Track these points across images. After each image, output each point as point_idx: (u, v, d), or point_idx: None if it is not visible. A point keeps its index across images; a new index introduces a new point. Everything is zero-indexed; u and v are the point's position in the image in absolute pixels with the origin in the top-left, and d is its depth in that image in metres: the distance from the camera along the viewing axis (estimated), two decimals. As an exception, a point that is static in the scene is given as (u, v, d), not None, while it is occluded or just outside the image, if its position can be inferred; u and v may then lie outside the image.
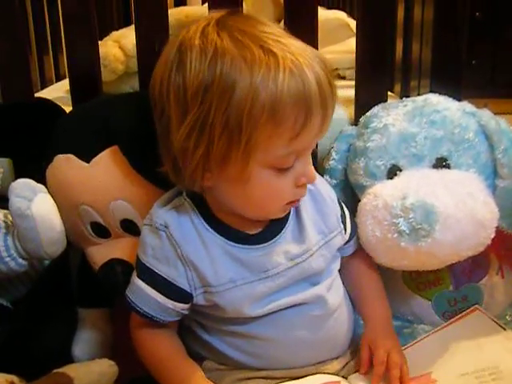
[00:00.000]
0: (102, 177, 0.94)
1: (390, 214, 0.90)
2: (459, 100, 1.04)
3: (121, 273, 0.93)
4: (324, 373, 0.88)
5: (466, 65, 1.19)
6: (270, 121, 0.73)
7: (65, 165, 0.96)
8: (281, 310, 0.85)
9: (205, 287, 0.83)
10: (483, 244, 0.92)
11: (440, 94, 1.04)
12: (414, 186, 0.91)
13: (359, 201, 0.98)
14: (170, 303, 0.84)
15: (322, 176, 1.02)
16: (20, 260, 0.90)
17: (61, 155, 0.96)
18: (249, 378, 0.87)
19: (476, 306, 1.01)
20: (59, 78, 1.72)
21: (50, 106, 1.05)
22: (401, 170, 0.97)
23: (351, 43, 1.23)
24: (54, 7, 1.67)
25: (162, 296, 0.84)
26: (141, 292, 0.84)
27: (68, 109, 1.07)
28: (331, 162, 1.07)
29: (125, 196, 0.93)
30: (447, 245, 0.88)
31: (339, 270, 0.94)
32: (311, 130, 0.76)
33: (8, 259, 0.89)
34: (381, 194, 0.93)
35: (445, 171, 0.95)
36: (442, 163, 0.96)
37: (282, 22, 1.12)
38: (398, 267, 0.96)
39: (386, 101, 1.13)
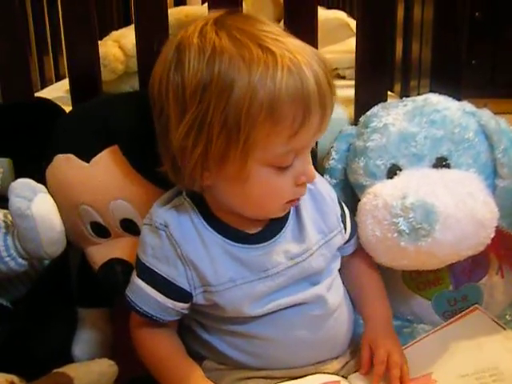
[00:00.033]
0: (101, 176, 0.94)
1: (390, 214, 0.90)
2: (459, 100, 1.04)
3: (120, 272, 0.93)
4: (324, 372, 0.88)
5: (466, 65, 1.20)
6: (268, 119, 0.73)
7: (65, 164, 0.96)
8: (281, 309, 0.85)
9: (204, 286, 0.83)
10: (483, 244, 0.92)
11: (440, 93, 1.04)
12: (413, 185, 0.91)
13: (359, 200, 0.98)
14: (169, 303, 0.84)
15: (322, 176, 1.02)
16: (20, 260, 0.90)
17: (61, 155, 0.96)
18: (248, 378, 0.87)
19: (476, 305, 1.01)
20: (59, 78, 1.72)
21: (49, 105, 1.05)
22: (401, 170, 0.97)
23: (351, 43, 1.24)
24: (53, 7, 1.67)
25: (161, 295, 0.84)
26: (140, 291, 0.85)
27: (68, 109, 1.07)
28: (331, 162, 1.07)
29: (125, 196, 0.93)
30: (447, 244, 0.88)
31: (339, 270, 0.94)
32: (310, 128, 0.76)
33: (8, 259, 0.89)
34: (381, 194, 0.93)
35: (445, 171, 0.95)
36: (441, 163, 0.96)
37: (282, 21, 1.12)
38: (398, 267, 0.96)
39: (385, 100, 1.13)
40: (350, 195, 1.05)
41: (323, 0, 2.54)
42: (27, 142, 1.01)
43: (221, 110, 0.73)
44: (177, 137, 0.76)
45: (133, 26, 1.16)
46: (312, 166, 0.81)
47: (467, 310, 1.00)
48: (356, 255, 0.98)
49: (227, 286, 0.82)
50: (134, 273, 0.86)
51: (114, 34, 1.44)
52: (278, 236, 0.85)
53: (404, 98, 1.05)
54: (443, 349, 0.94)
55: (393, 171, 0.97)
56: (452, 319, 1.00)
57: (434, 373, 0.89)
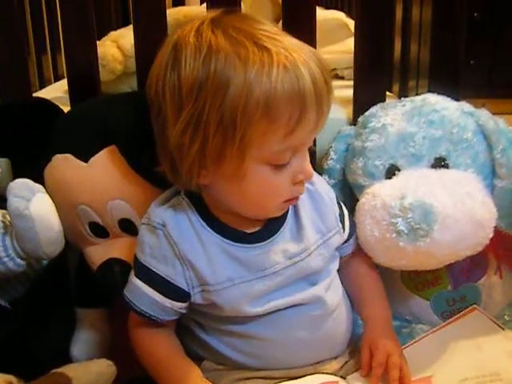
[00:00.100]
0: (100, 176, 0.94)
1: (389, 214, 0.90)
2: (457, 100, 1.04)
3: (119, 272, 0.93)
4: (323, 373, 0.88)
5: (464, 65, 1.19)
6: (264, 117, 0.73)
7: (63, 165, 0.96)
8: (279, 310, 0.85)
9: (202, 286, 0.83)
10: (482, 244, 0.92)
11: (438, 94, 1.04)
12: (412, 185, 0.91)
13: (358, 200, 0.98)
14: (167, 302, 0.84)
15: (321, 176, 1.02)
16: (18, 260, 0.90)
17: (59, 155, 0.96)
18: (247, 378, 0.87)
19: (474, 305, 1.01)
20: (57, 78, 1.72)
21: (48, 105, 1.05)
22: (399, 170, 0.97)
23: (349, 43, 1.23)
24: (52, 7, 1.67)
25: (159, 295, 0.84)
26: (138, 291, 0.84)
27: (66, 109, 1.07)
28: (330, 162, 1.07)
29: (123, 195, 0.93)
30: (446, 245, 0.89)
31: (339, 270, 0.94)
32: (306, 126, 0.76)
33: (6, 259, 0.89)
34: (379, 194, 0.93)
35: (443, 171, 0.95)
36: (440, 163, 0.96)
37: (281, 22, 1.12)
38: (397, 267, 0.96)
39: (384, 101, 1.13)
40: (349, 195, 1.05)
41: (322, 0, 2.54)
42: (25, 142, 1.01)
43: (217, 107, 0.73)
44: (174, 134, 0.76)
45: (131, 26, 1.16)
46: (309, 165, 0.81)
47: (466, 311, 1.00)
48: (355, 256, 0.98)
49: (225, 286, 0.82)
50: (132, 272, 0.86)
51: (113, 34, 1.44)
52: (276, 235, 0.85)
53: (402, 98, 1.05)
54: (442, 349, 0.94)
55: (391, 171, 0.97)
56: (451, 319, 1.00)
57: (433, 376, 0.89)
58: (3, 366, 0.87)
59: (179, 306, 0.85)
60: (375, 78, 1.15)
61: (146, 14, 1.12)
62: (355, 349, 0.94)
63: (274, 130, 0.74)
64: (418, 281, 1.04)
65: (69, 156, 0.95)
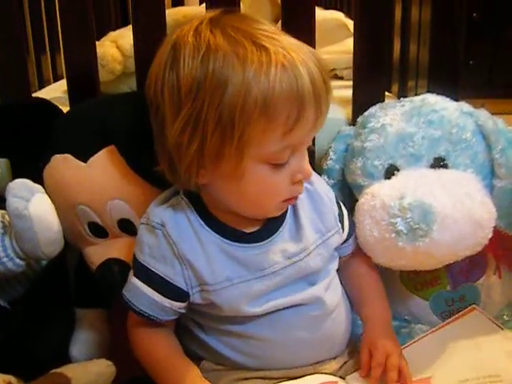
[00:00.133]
0: (99, 176, 0.94)
1: (388, 214, 0.90)
2: (456, 100, 1.04)
3: (118, 272, 0.93)
4: (322, 373, 0.88)
5: (464, 65, 1.19)
6: (262, 116, 0.73)
7: (62, 165, 0.96)
8: (278, 310, 0.85)
9: (201, 286, 0.83)
10: (481, 244, 0.92)
11: (437, 94, 1.04)
12: (411, 185, 0.91)
13: (357, 201, 0.98)
14: (166, 302, 0.84)
15: (320, 176, 1.02)
16: (17, 260, 0.90)
17: (58, 155, 0.96)
18: (246, 379, 0.87)
19: (473, 305, 1.01)
20: (57, 79, 1.72)
21: (47, 106, 1.05)
22: (398, 170, 0.97)
23: (349, 43, 1.24)
24: (51, 8, 1.67)
25: (158, 295, 0.84)
26: (137, 291, 0.84)
27: (65, 109, 1.07)
28: (329, 162, 1.07)
29: (122, 196, 0.93)
30: (445, 245, 0.89)
31: (338, 270, 0.94)
32: (304, 125, 0.76)
33: (5, 259, 0.89)
34: (378, 194, 0.93)
35: (442, 171, 0.95)
36: (439, 163, 0.96)
37: (280, 22, 1.12)
38: (396, 267, 0.96)
39: (383, 101, 1.13)
40: (348, 196, 1.05)
41: (321, 0, 2.54)
42: (25, 143, 1.00)
43: (215, 107, 0.73)
44: (172, 133, 0.76)
45: (130, 26, 1.16)
46: (308, 164, 0.81)
47: (465, 311, 1.00)
48: (355, 256, 0.98)
49: (224, 285, 0.82)
50: (131, 272, 0.86)
51: (112, 34, 1.45)
52: (275, 235, 0.85)
53: (402, 99, 1.05)
54: (441, 349, 0.94)
55: (390, 171, 0.97)
56: (450, 319, 1.00)
57: (432, 377, 0.88)
58: (2, 366, 0.87)
59: (178, 305, 0.85)
60: (374, 78, 1.15)
61: (146, 15, 1.12)
62: (354, 349, 0.94)
63: (272, 129, 0.74)
64: (417, 281, 1.04)
65: (68, 156, 0.95)
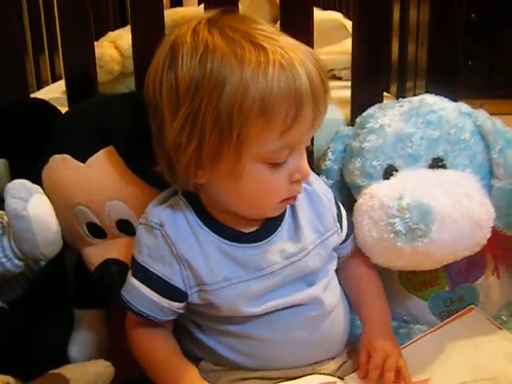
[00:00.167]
0: (97, 177, 0.94)
1: (387, 215, 0.90)
2: (455, 101, 1.04)
3: (116, 273, 0.93)
4: (320, 373, 0.88)
5: (462, 65, 1.19)
6: (260, 115, 0.73)
7: (61, 165, 0.96)
8: (277, 310, 0.85)
9: (200, 286, 0.83)
10: (479, 244, 0.92)
11: (436, 94, 1.04)
12: (410, 186, 0.91)
13: (355, 201, 0.98)
14: (165, 302, 0.84)
15: (318, 176, 1.02)
16: (16, 261, 0.90)
17: (57, 155, 0.96)
18: (245, 379, 0.87)
19: (472, 306, 1.01)
20: (55, 79, 1.72)
21: (46, 106, 1.04)
22: (397, 171, 0.97)
23: (347, 44, 1.24)
24: (49, 8, 1.67)
25: (157, 295, 0.84)
26: (136, 291, 0.85)
27: (64, 109, 1.07)
28: (327, 163, 1.07)
29: (120, 196, 0.93)
30: (444, 245, 0.89)
31: (337, 271, 0.94)
32: (302, 124, 0.76)
33: (4, 260, 0.89)
34: (377, 195, 0.93)
35: (441, 171, 0.95)
36: (438, 163, 0.96)
37: (279, 22, 1.12)
38: (395, 267, 0.96)
39: (381, 101, 1.13)
40: (346, 196, 1.05)
41: (319, 1, 2.54)
42: (23, 143, 1.00)
43: (213, 106, 0.73)
44: (171, 133, 0.76)
45: (129, 26, 1.16)
46: (307, 164, 0.81)
47: (463, 311, 1.00)
48: (354, 256, 0.98)
49: (222, 285, 0.82)
50: (130, 272, 0.86)
51: (111, 34, 1.44)
52: (273, 235, 0.85)
53: (400, 99, 1.05)
54: (440, 350, 0.94)
55: (389, 172, 0.97)
56: (448, 320, 1.00)
57: (430, 379, 0.88)
58: (1, 366, 0.87)
59: (176, 305, 0.85)
60: (373, 78, 1.15)
61: (144, 15, 1.12)
62: (353, 349, 0.94)
63: (270, 128, 0.74)
64: (415, 281, 1.04)
65: (66, 156, 0.95)
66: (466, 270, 1.02)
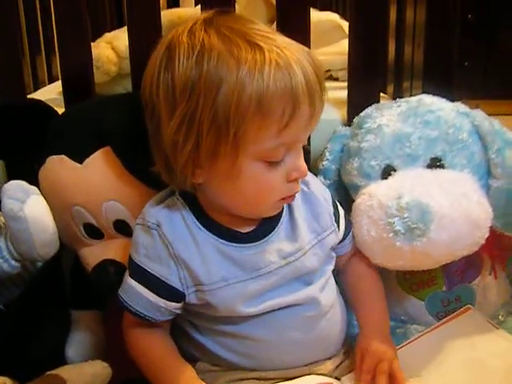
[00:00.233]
0: (94, 178, 0.94)
1: (386, 214, 0.90)
2: (452, 101, 1.04)
3: (113, 273, 0.93)
4: (317, 373, 0.88)
5: (458, 66, 1.20)
6: (257, 114, 0.73)
7: (57, 166, 0.96)
8: (274, 310, 0.85)
9: (197, 286, 0.83)
10: (478, 244, 0.92)
11: (432, 95, 1.04)
12: (408, 185, 0.91)
13: (353, 201, 0.98)
14: (162, 302, 0.84)
15: (316, 176, 1.03)
16: (13, 262, 0.90)
17: (53, 156, 0.96)
18: (242, 379, 0.87)
19: (468, 305, 1.01)
20: (52, 80, 1.71)
21: (42, 107, 1.04)
22: (395, 170, 0.97)
23: (344, 45, 1.24)
24: (46, 8, 1.66)
25: (154, 295, 0.84)
26: (133, 291, 0.84)
27: (61, 110, 1.07)
28: (325, 163, 1.07)
29: (117, 197, 0.93)
30: (442, 244, 0.89)
31: (338, 271, 0.95)
32: (299, 122, 0.76)
33: (0, 261, 0.89)
34: (375, 194, 0.93)
35: (439, 171, 0.95)
36: (436, 163, 0.96)
37: (275, 23, 1.12)
38: (393, 267, 0.96)
39: (378, 102, 1.13)
40: (344, 196, 1.05)
41: (316, 2, 2.54)
42: (20, 144, 1.00)
43: (210, 105, 0.73)
44: (168, 133, 0.77)
45: (126, 27, 1.16)
46: (304, 162, 0.81)
47: (460, 310, 1.00)
48: (354, 256, 0.99)
49: (219, 285, 0.82)
50: (127, 273, 0.86)
51: (107, 35, 1.44)
52: (270, 235, 0.86)
53: (398, 99, 1.05)
54: (437, 350, 0.94)
55: (387, 172, 0.97)
56: (445, 319, 1.00)
57: (427, 379, 0.88)
58: (-2, 367, 0.87)
59: (174, 306, 0.85)
60: (369, 79, 1.15)
61: (141, 16, 1.12)
62: (350, 349, 0.94)
63: (267, 126, 0.75)
64: (412, 281, 1.04)
65: (63, 157, 0.95)
66: (463, 270, 1.03)
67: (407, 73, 1.27)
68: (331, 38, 1.66)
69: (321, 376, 0.88)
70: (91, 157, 0.94)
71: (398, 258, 0.92)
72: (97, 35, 1.44)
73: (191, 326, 0.89)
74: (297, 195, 0.86)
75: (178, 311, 0.86)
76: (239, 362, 0.87)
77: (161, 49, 0.79)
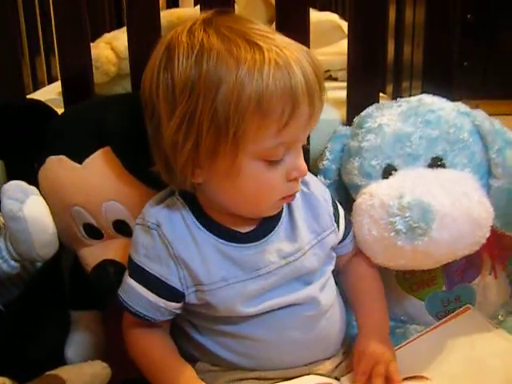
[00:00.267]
0: (94, 178, 0.94)
1: (387, 213, 0.90)
2: (451, 101, 1.04)
3: (113, 274, 0.93)
4: (317, 373, 0.88)
5: (458, 66, 1.20)
6: (256, 113, 0.73)
7: (57, 166, 0.96)
8: (273, 310, 0.85)
9: (196, 286, 0.83)
10: (479, 243, 0.92)
11: (432, 95, 1.05)
12: (409, 185, 0.91)
13: (353, 201, 0.98)
14: (161, 302, 0.84)
15: (316, 176, 1.03)
16: (12, 262, 0.90)
17: (53, 156, 0.96)
18: (242, 379, 0.87)
19: (468, 305, 1.01)
20: (51, 80, 1.71)
21: (42, 107, 1.04)
22: (396, 170, 0.97)
23: (343, 45, 1.23)
24: (45, 9, 1.67)
25: (153, 295, 0.83)
26: (132, 291, 0.84)
27: (60, 111, 1.07)
28: (325, 162, 1.07)
29: (117, 197, 0.93)
30: (443, 244, 0.89)
31: (338, 272, 0.95)
32: (298, 122, 0.76)
33: (0, 261, 0.89)
34: (377, 194, 0.93)
35: (440, 170, 0.95)
36: (437, 163, 0.96)
37: (274, 23, 1.12)
38: (394, 267, 0.96)
39: (377, 102, 1.13)
40: (344, 195, 1.05)
41: (315, 2, 2.54)
42: (19, 144, 1.00)
43: (210, 105, 0.73)
44: (168, 133, 0.77)
45: (125, 28, 1.16)
46: (303, 162, 0.81)
47: (459, 310, 1.00)
48: (355, 257, 0.99)
49: (219, 285, 0.82)
50: (127, 273, 0.86)
51: (107, 36, 1.44)
52: (270, 235, 0.85)
53: (398, 99, 1.05)
54: (436, 349, 0.94)
55: (388, 171, 0.97)
56: (444, 319, 1.00)
57: (427, 378, 0.88)
58: (-3, 367, 0.87)
59: (173, 306, 0.85)
60: (368, 79, 1.15)
61: (140, 16, 1.12)
62: (349, 349, 0.94)
63: (266, 125, 0.75)
64: (412, 281, 1.04)
65: (63, 157, 0.95)
66: (463, 269, 1.03)
67: (406, 73, 1.27)
68: (330, 38, 1.66)
69: (319, 376, 0.88)
70: (91, 157, 0.94)
71: (399, 258, 0.92)
72: (96, 35, 1.44)
73: (191, 325, 0.89)
74: (297, 196, 0.86)
75: (178, 311, 0.86)
76: (239, 362, 0.87)
77: (160, 49, 0.80)
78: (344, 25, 1.68)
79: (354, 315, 0.97)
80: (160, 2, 1.13)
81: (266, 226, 0.86)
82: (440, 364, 0.91)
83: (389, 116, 1.00)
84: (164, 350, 0.87)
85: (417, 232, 0.88)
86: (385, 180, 0.97)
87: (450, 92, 1.11)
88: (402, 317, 1.06)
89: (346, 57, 1.16)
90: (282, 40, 0.78)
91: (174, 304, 0.85)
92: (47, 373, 0.89)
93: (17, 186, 0.89)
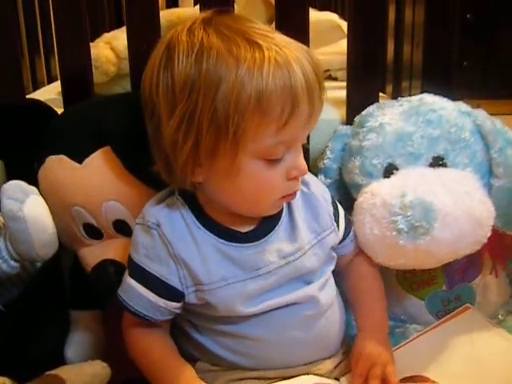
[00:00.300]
0: (94, 178, 0.94)
1: (389, 212, 0.90)
2: (452, 101, 1.04)
3: (113, 273, 0.93)
4: (316, 373, 0.88)
5: (458, 66, 1.20)
6: (256, 112, 0.73)
7: (57, 166, 0.96)
8: (273, 310, 0.85)
9: (196, 285, 0.83)
10: (480, 242, 0.92)
11: (432, 94, 1.05)
12: (411, 184, 0.91)
13: (354, 200, 0.98)
14: (161, 302, 0.84)
15: (316, 176, 1.03)
16: (12, 262, 0.90)
17: (53, 156, 0.96)
18: (242, 379, 0.87)
19: (468, 304, 1.01)
20: (51, 80, 1.72)
21: (41, 107, 1.04)
22: (397, 169, 0.97)
23: (343, 44, 1.24)
24: (45, 9, 1.67)
25: (153, 295, 0.83)
26: (132, 291, 0.84)
27: (60, 110, 1.07)
28: (326, 161, 1.07)
29: (117, 197, 0.93)
30: (445, 243, 0.89)
31: (339, 271, 0.95)
32: (298, 121, 0.76)
33: (0, 261, 0.89)
34: (378, 193, 0.93)
35: (441, 170, 0.95)
36: (438, 162, 0.96)
37: (274, 23, 1.12)
38: (396, 266, 0.96)
39: (377, 102, 1.13)
40: (344, 195, 1.05)
41: (315, 1, 2.54)
42: (19, 144, 1.00)
43: (209, 104, 0.73)
44: (168, 132, 0.77)
45: (125, 27, 1.16)
46: (303, 161, 0.81)
47: (459, 309, 1.00)
48: (356, 257, 0.98)
49: (219, 285, 0.82)
50: (126, 272, 0.86)
51: (106, 35, 1.44)
52: (270, 235, 0.85)
53: (399, 98, 1.05)
54: (436, 349, 0.94)
55: (389, 170, 0.97)
56: (444, 319, 1.00)
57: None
58: (-3, 367, 0.87)
59: (173, 305, 0.85)
60: (368, 79, 1.15)
61: (140, 16, 1.12)
62: (349, 349, 0.93)
63: (266, 124, 0.75)
64: (412, 281, 1.04)
65: (63, 157, 0.95)
66: (463, 269, 1.03)
67: (406, 72, 1.27)
68: (330, 37, 1.66)
69: (317, 376, 0.87)
70: (91, 157, 0.94)
71: (401, 257, 0.92)
72: (96, 35, 1.45)
73: (191, 325, 0.89)
74: (297, 196, 0.86)
75: (178, 311, 0.86)
76: (239, 362, 0.87)
77: (160, 48, 0.80)
78: (343, 24, 1.68)
79: (354, 315, 0.97)
80: (159, 2, 1.13)
81: (265, 226, 0.86)
82: (440, 363, 0.91)
83: (390, 115, 1.00)
84: (164, 350, 0.87)
85: (419, 231, 0.88)
86: (386, 179, 0.97)
87: (450, 92, 1.11)
88: (401, 316, 1.06)
89: (345, 56, 1.16)
90: (282, 39, 0.78)
91: (173, 304, 0.85)
92: (47, 373, 0.89)
93: (17, 185, 0.89)
